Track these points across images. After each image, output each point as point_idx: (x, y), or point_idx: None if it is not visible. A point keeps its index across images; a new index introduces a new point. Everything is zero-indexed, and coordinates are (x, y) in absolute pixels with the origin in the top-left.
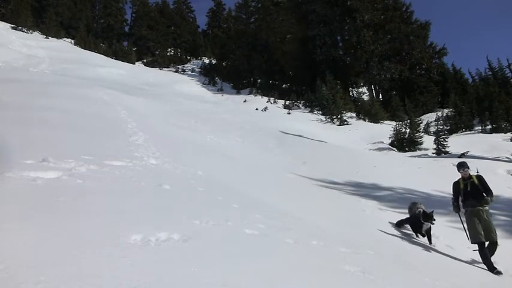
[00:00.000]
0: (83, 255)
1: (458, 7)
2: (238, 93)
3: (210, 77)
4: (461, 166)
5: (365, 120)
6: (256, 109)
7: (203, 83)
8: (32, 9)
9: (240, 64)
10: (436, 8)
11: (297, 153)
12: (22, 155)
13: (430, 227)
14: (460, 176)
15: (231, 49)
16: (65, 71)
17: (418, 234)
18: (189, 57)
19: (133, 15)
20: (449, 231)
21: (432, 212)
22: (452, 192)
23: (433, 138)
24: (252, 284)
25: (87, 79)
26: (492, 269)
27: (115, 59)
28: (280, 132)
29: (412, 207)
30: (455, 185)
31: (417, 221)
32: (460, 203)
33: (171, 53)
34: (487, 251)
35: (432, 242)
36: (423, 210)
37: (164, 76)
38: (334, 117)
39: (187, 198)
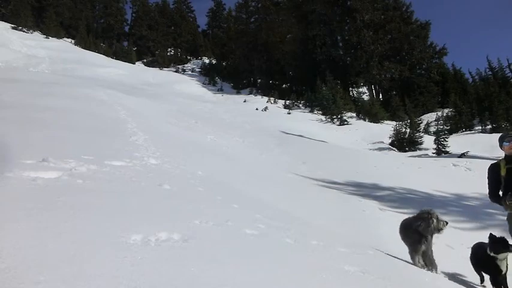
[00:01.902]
0: (83, 255)
1: (458, 7)
2: (238, 93)
3: (210, 77)
4: (506, 137)
5: (365, 120)
6: (256, 109)
7: (203, 83)
8: (32, 9)
9: (240, 64)
10: (436, 8)
11: (297, 153)
12: (22, 155)
13: (507, 266)
14: (503, 157)
15: (231, 49)
16: (65, 71)
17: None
18: (189, 57)
19: (134, 15)
20: (450, 231)
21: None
22: (488, 183)
23: (433, 138)
24: (252, 284)
25: (87, 79)
26: None
27: (115, 59)
28: (281, 132)
29: (412, 221)
30: (493, 169)
31: (480, 254)
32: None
33: (171, 53)
34: None
35: None
36: (491, 236)
37: (164, 76)
38: (334, 117)
39: (187, 198)
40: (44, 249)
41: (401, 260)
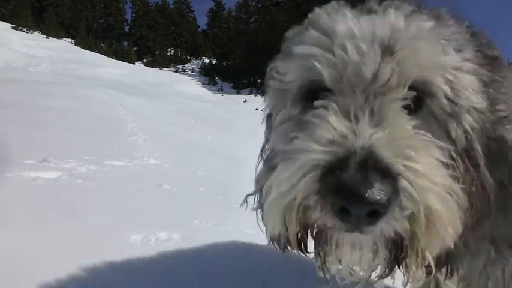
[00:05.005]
0: (83, 255)
1: (458, 7)
2: (238, 93)
3: (210, 77)
4: None
5: None
6: (256, 109)
7: (203, 83)
8: (32, 9)
9: (240, 64)
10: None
11: None
12: (22, 155)
13: None
14: None
15: (231, 49)
16: (65, 71)
17: None
18: (189, 57)
19: (134, 15)
20: None
21: None
22: None
23: None
24: (252, 284)
25: (87, 79)
26: None
27: (115, 59)
28: None
29: None
30: None
31: None
32: None
33: (171, 53)
34: None
35: None
36: None
37: (164, 76)
38: None
39: (187, 198)
40: (44, 249)
41: None
